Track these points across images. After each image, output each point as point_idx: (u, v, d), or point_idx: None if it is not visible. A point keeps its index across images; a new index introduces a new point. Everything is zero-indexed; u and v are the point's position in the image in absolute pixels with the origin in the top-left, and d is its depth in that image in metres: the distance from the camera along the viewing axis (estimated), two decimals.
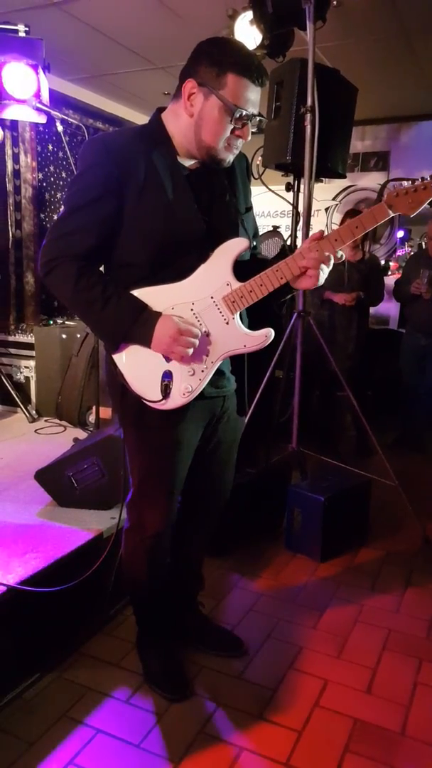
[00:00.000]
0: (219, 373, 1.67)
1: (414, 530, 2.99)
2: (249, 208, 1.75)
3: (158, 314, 1.55)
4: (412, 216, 1.58)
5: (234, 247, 1.57)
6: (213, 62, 1.49)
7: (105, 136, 1.62)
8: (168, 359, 1.58)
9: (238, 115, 1.51)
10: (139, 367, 1.61)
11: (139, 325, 1.54)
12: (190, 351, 1.54)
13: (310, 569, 2.69)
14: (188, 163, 1.62)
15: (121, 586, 2.09)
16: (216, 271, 1.57)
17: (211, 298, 1.58)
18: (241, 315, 1.61)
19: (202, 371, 1.60)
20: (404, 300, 4.37)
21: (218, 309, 1.58)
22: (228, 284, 1.57)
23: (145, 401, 1.61)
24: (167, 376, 1.58)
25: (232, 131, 1.54)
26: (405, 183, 1.55)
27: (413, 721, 1.82)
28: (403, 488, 2.94)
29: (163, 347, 1.54)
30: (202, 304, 1.58)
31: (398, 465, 3.12)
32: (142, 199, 1.52)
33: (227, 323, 1.59)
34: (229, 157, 1.60)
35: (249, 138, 1.57)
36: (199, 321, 1.58)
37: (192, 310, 1.58)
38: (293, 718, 1.81)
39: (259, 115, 1.54)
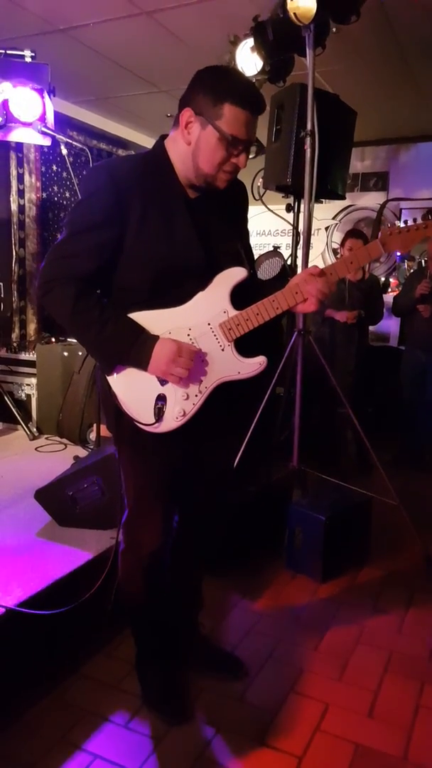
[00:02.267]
0: (211, 394, 1.66)
1: (415, 549, 2.98)
2: (246, 237, 1.78)
3: (156, 337, 1.56)
4: (404, 253, 1.65)
5: (233, 276, 1.60)
6: (209, 92, 1.51)
7: (109, 163, 1.65)
8: (163, 383, 1.60)
9: (233, 145, 1.53)
10: (133, 390, 1.62)
11: (136, 348, 1.56)
12: (186, 372, 1.55)
13: (311, 589, 2.67)
14: (190, 190, 1.64)
15: (120, 607, 2.08)
16: (214, 299, 1.60)
17: (208, 324, 1.60)
18: (238, 340, 1.63)
19: (196, 396, 1.62)
20: (403, 311, 4.37)
21: (215, 335, 1.61)
22: (225, 312, 1.60)
23: (138, 424, 1.62)
24: (161, 399, 1.60)
25: (229, 158, 1.56)
26: (398, 223, 1.65)
27: (415, 746, 1.80)
28: (404, 506, 2.93)
29: (161, 368, 1.55)
30: (199, 330, 1.60)
31: (399, 482, 3.11)
32: (143, 226, 1.54)
33: (223, 350, 1.61)
34: (225, 184, 1.61)
35: (245, 165, 1.59)
36: (195, 346, 1.60)
37: (189, 335, 1.60)
38: (294, 743, 1.79)
39: (256, 143, 1.58)
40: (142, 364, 1.57)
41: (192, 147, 1.56)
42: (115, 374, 1.63)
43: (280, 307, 1.60)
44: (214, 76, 1.54)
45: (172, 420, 1.61)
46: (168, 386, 1.60)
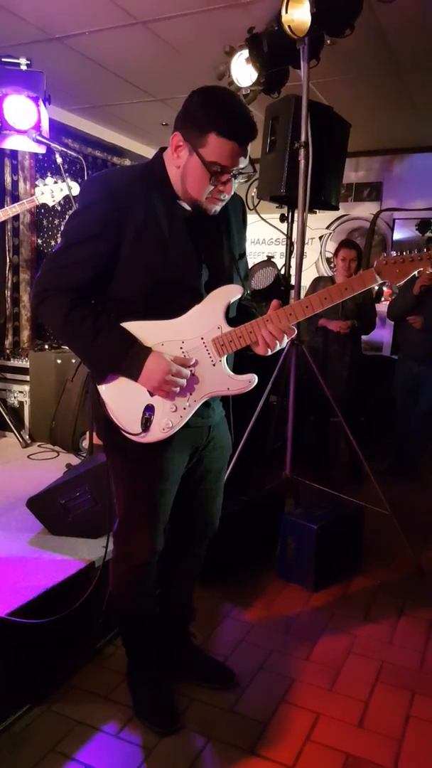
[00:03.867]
0: (204, 403, 1.68)
1: (407, 559, 2.99)
2: (242, 254, 1.79)
3: (149, 350, 1.57)
4: (396, 284, 1.67)
5: (229, 293, 1.62)
6: (196, 120, 1.49)
7: (107, 174, 1.65)
8: (152, 393, 1.61)
9: (219, 174, 1.53)
10: (122, 399, 1.63)
11: (128, 359, 1.57)
12: (177, 390, 1.57)
13: (303, 599, 2.68)
14: (186, 205, 1.64)
15: (111, 617, 2.07)
16: (208, 314, 1.61)
17: (201, 339, 1.61)
18: (227, 357, 1.65)
19: (184, 409, 1.63)
20: (400, 314, 4.38)
21: (207, 350, 1.62)
22: (219, 327, 1.61)
23: (124, 432, 1.63)
24: (149, 410, 1.61)
25: (216, 187, 1.56)
26: (394, 253, 1.64)
27: (405, 756, 1.80)
28: (396, 516, 2.95)
29: (152, 383, 1.57)
30: (191, 344, 1.61)
31: (391, 492, 3.12)
32: (139, 239, 1.54)
33: (214, 365, 1.63)
34: (215, 208, 1.61)
35: (231, 193, 1.60)
36: (187, 359, 1.61)
37: (181, 348, 1.61)
38: (285, 753, 1.79)
39: (241, 172, 1.55)
40: (133, 374, 1.58)
41: (181, 171, 1.57)
42: (105, 383, 1.64)
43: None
44: (202, 102, 1.50)
45: (158, 431, 1.62)
46: (157, 397, 1.61)
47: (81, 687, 2.03)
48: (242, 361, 1.74)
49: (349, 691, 2.08)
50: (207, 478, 1.87)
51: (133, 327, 1.59)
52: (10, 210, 3.49)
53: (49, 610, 1.99)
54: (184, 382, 1.58)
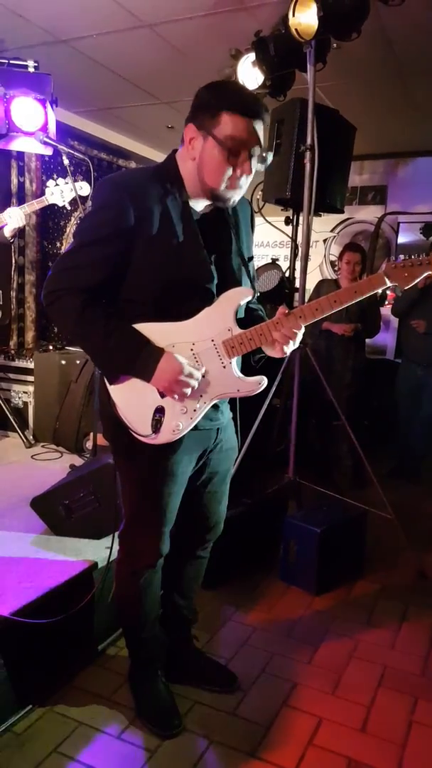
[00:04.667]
0: (213, 406, 1.69)
1: (410, 563, 2.98)
2: (251, 258, 1.79)
3: (161, 350, 1.57)
4: (404, 288, 1.67)
5: (239, 295, 1.62)
6: (207, 105, 1.52)
7: (122, 176, 1.65)
8: (163, 395, 1.61)
9: (235, 153, 1.52)
10: (132, 400, 1.63)
11: (141, 360, 1.56)
12: (189, 392, 1.57)
13: (305, 602, 2.67)
14: (199, 207, 1.64)
15: (114, 618, 2.07)
16: (219, 316, 1.61)
17: (212, 341, 1.61)
18: (237, 359, 1.65)
19: (194, 410, 1.63)
20: (402, 309, 4.37)
21: (217, 352, 1.62)
22: (229, 330, 1.61)
23: (134, 434, 1.63)
24: (159, 411, 1.61)
25: (234, 169, 1.55)
26: (403, 257, 1.65)
27: (408, 761, 1.79)
28: (399, 520, 2.94)
29: (164, 384, 1.57)
30: (202, 346, 1.61)
31: (394, 496, 3.12)
32: (152, 241, 1.54)
33: (224, 367, 1.63)
34: (235, 196, 1.60)
35: (252, 172, 1.56)
36: (197, 361, 1.61)
37: (192, 350, 1.61)
38: (287, 757, 1.79)
39: (258, 145, 1.52)
40: (147, 375, 1.57)
41: (197, 162, 1.56)
42: (116, 384, 1.63)
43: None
44: (212, 89, 1.54)
45: (168, 433, 1.62)
46: (167, 399, 1.61)
47: (83, 688, 2.03)
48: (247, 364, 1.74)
49: (352, 696, 2.07)
50: (213, 481, 1.87)
51: (144, 328, 1.59)
52: (28, 207, 3.49)
53: (52, 611, 1.99)
54: (196, 383, 1.58)
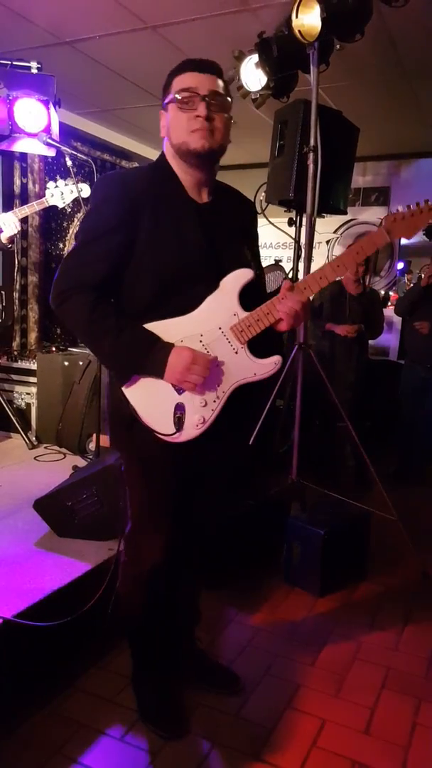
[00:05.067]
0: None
1: (413, 565, 2.97)
2: (256, 254, 1.78)
3: (171, 345, 1.56)
4: (410, 240, 1.65)
5: (240, 277, 1.60)
6: (164, 86, 1.62)
7: (116, 172, 1.69)
8: (180, 391, 1.59)
9: (187, 103, 1.54)
10: (150, 400, 1.61)
11: (152, 356, 1.55)
12: (202, 380, 1.55)
13: (309, 604, 2.67)
14: (198, 197, 1.65)
15: (117, 620, 2.07)
16: (223, 302, 1.60)
17: (220, 329, 1.60)
18: (250, 342, 1.62)
19: (214, 401, 1.61)
20: (405, 307, 4.37)
21: (227, 339, 1.60)
22: (235, 314, 1.60)
23: (158, 435, 1.60)
24: (180, 408, 1.59)
25: (189, 114, 1.54)
26: (401, 208, 1.61)
27: (412, 764, 1.79)
28: (402, 521, 2.93)
29: (177, 377, 1.55)
30: (210, 336, 1.60)
31: (398, 497, 3.11)
32: (152, 232, 1.55)
33: (236, 353, 1.61)
34: (204, 144, 1.55)
35: (206, 113, 1.53)
36: (208, 352, 1.59)
37: (201, 342, 1.59)
38: (290, 759, 1.78)
39: (210, 91, 1.53)
40: (158, 372, 1.56)
41: (168, 134, 1.61)
42: (131, 385, 1.62)
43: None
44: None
45: (192, 428, 1.60)
46: (185, 394, 1.59)
47: (86, 690, 2.03)
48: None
49: (355, 698, 2.07)
50: (214, 479, 1.85)
51: (152, 327, 1.58)
52: (19, 212, 3.50)
53: (55, 612, 1.99)
54: (207, 371, 1.55)
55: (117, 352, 1.59)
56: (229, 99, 1.59)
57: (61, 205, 3.57)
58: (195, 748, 1.81)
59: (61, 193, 3.51)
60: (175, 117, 1.57)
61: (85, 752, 1.77)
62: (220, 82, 1.58)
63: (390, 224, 1.60)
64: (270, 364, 1.63)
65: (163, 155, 1.67)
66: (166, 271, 1.57)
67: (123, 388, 1.62)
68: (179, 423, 1.58)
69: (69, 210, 5.27)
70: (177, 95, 1.55)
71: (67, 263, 1.59)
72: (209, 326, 1.60)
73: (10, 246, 3.50)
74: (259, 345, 1.65)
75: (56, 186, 3.51)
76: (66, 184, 3.50)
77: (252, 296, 1.64)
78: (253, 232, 1.82)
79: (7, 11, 3.37)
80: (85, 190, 3.51)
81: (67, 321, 1.63)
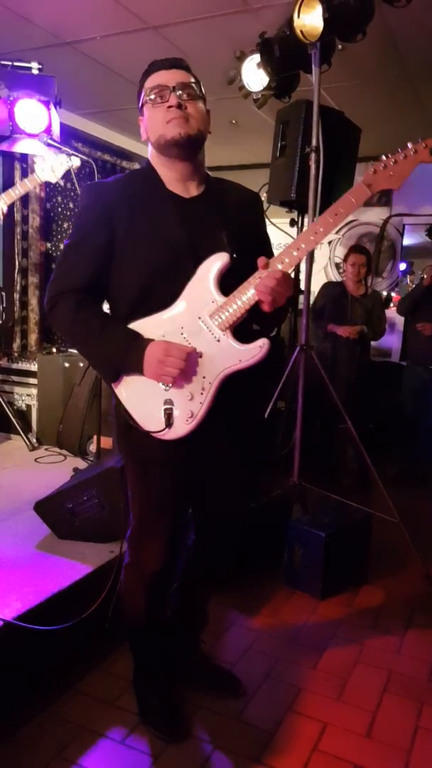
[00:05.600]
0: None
1: (416, 568, 2.96)
2: (262, 242, 1.75)
3: (149, 341, 1.56)
4: (397, 189, 1.52)
5: (214, 263, 1.56)
6: (138, 92, 1.67)
7: (93, 182, 1.75)
8: (167, 387, 1.58)
9: (159, 97, 1.58)
10: (139, 398, 1.61)
11: (131, 353, 1.56)
12: (176, 371, 1.52)
13: (310, 607, 2.65)
14: (185, 192, 1.66)
15: (118, 622, 2.06)
16: (200, 292, 1.57)
17: (199, 318, 1.57)
18: (237, 329, 1.58)
19: (201, 394, 1.57)
20: (407, 307, 4.36)
21: (207, 328, 1.57)
22: (213, 301, 1.56)
23: (150, 432, 1.59)
24: (169, 404, 1.57)
25: (161, 107, 1.58)
26: (384, 156, 1.49)
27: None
28: (404, 524, 2.92)
29: (153, 370, 1.54)
30: (191, 327, 1.57)
31: (400, 500, 3.10)
32: (128, 231, 1.59)
33: (218, 341, 1.57)
34: (179, 131, 1.57)
35: (176, 102, 1.56)
36: (189, 344, 1.57)
37: (182, 334, 1.58)
38: (292, 762, 1.77)
39: (177, 84, 1.57)
40: (138, 368, 1.56)
41: (148, 135, 1.65)
42: (120, 385, 1.63)
43: None
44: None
45: (182, 423, 1.57)
46: (173, 390, 1.57)
47: (87, 693, 2.02)
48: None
49: (357, 701, 2.06)
50: (222, 482, 1.82)
51: (137, 326, 1.59)
52: (13, 192, 3.42)
53: (56, 615, 1.98)
54: (181, 362, 1.52)
55: (99, 352, 1.63)
56: (201, 91, 1.63)
57: (53, 180, 3.39)
58: (196, 751, 1.80)
59: (51, 166, 3.37)
60: (151, 115, 1.62)
61: (85, 755, 1.76)
62: (189, 76, 1.62)
63: (370, 177, 1.48)
64: (255, 348, 1.56)
65: (148, 160, 1.71)
66: (145, 266, 1.58)
67: (114, 388, 1.64)
68: (169, 419, 1.57)
69: (71, 212, 5.26)
70: (149, 95, 1.60)
71: (55, 272, 1.66)
72: (189, 317, 1.57)
73: None
74: (249, 331, 1.62)
75: (45, 159, 3.38)
76: (55, 157, 3.37)
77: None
78: (254, 220, 1.77)
79: (7, 12, 3.37)
80: (75, 161, 3.41)
81: (56, 325, 1.69)
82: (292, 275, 3.77)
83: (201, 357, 1.57)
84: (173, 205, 1.62)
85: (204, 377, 1.57)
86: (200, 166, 1.69)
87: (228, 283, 1.57)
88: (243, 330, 1.61)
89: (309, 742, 1.86)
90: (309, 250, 1.54)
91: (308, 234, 1.53)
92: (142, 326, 1.59)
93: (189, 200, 1.65)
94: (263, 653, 2.30)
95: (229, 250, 1.57)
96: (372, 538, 2.98)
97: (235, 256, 1.56)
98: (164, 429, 1.57)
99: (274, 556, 2.93)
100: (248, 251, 1.58)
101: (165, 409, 1.57)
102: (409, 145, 1.49)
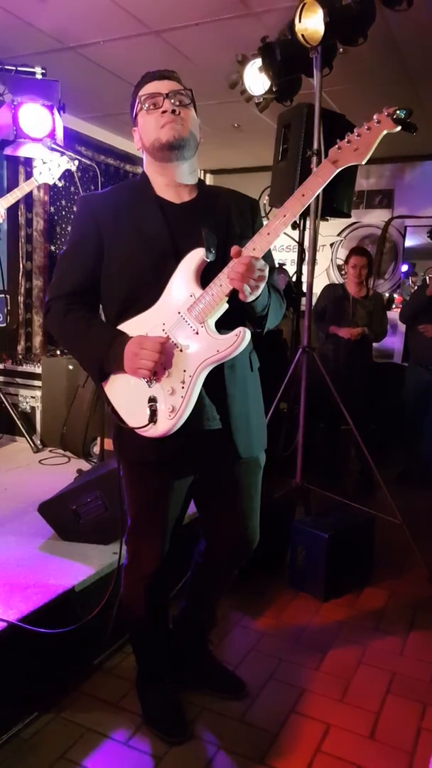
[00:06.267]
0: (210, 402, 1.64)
1: (419, 569, 2.96)
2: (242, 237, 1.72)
3: (129, 338, 1.59)
4: (363, 163, 1.52)
5: (192, 258, 1.58)
6: (132, 104, 1.71)
7: (85, 194, 1.80)
8: (150, 383, 1.59)
9: (152, 105, 1.62)
10: (125, 396, 1.64)
11: (112, 351, 1.59)
12: (151, 363, 1.52)
13: (313, 608, 2.66)
14: (176, 197, 1.69)
15: (121, 624, 2.07)
16: (180, 287, 1.59)
17: (179, 313, 1.59)
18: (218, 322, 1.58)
19: (182, 387, 1.56)
20: (409, 315, 4.37)
21: (186, 322, 1.58)
22: (192, 295, 1.58)
23: (135, 430, 1.60)
24: (152, 400, 1.58)
25: (155, 113, 1.62)
26: (349, 133, 1.50)
27: None
28: (407, 525, 2.93)
29: (129, 364, 1.56)
30: (171, 322, 1.59)
31: (403, 501, 3.10)
32: (115, 236, 1.64)
33: (197, 333, 1.57)
34: (173, 133, 1.60)
35: (171, 108, 1.60)
36: (170, 339, 1.57)
37: (164, 330, 1.59)
38: (295, 763, 1.78)
39: (170, 92, 1.61)
40: (119, 365, 1.59)
41: (143, 142, 1.68)
42: (108, 384, 1.67)
43: None
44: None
45: (165, 419, 1.57)
46: (155, 386, 1.59)
47: (90, 694, 2.03)
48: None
49: (360, 702, 2.06)
50: (231, 491, 1.80)
51: (125, 327, 1.64)
52: (11, 196, 3.45)
53: (60, 616, 1.99)
54: (155, 354, 1.52)
55: (85, 351, 1.68)
56: (192, 99, 1.67)
57: (51, 182, 3.44)
58: (200, 752, 1.81)
59: (49, 168, 3.41)
60: (145, 122, 1.65)
61: (89, 756, 1.77)
62: (181, 85, 1.67)
63: (335, 154, 1.50)
64: (232, 337, 1.53)
65: (143, 171, 1.75)
66: (130, 268, 1.63)
67: (103, 387, 1.68)
68: (153, 415, 1.58)
69: (73, 215, 5.28)
70: (143, 103, 1.64)
71: (52, 280, 1.74)
72: (169, 313, 1.59)
73: None
74: (238, 322, 1.60)
75: (44, 162, 3.42)
76: (51, 159, 3.41)
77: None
78: (248, 224, 1.75)
79: (11, 17, 3.39)
80: (73, 163, 3.45)
81: (50, 329, 1.77)
82: (293, 278, 3.78)
83: (181, 351, 1.57)
84: (160, 208, 1.65)
85: (184, 371, 1.57)
86: (193, 173, 1.73)
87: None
88: (234, 325, 1.58)
89: (312, 743, 1.87)
90: (278, 233, 1.54)
91: (278, 217, 1.54)
92: (128, 327, 1.63)
93: (179, 205, 1.68)
94: (266, 654, 2.31)
95: (205, 245, 1.57)
96: (375, 540, 2.99)
97: (212, 250, 1.57)
98: (148, 425, 1.58)
99: (278, 557, 2.93)
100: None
101: (149, 406, 1.58)
102: (374, 116, 1.50)
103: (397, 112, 1.49)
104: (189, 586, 2.04)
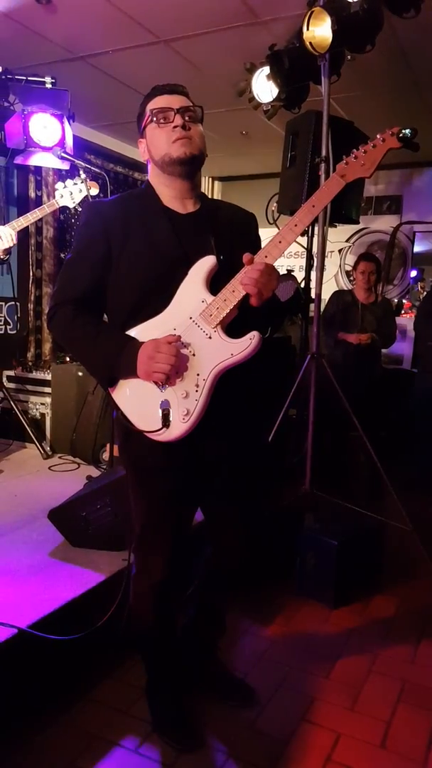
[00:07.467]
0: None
1: (429, 576, 2.94)
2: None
3: (141, 343, 1.59)
4: (369, 176, 1.62)
5: (203, 265, 1.61)
6: (139, 115, 1.73)
7: (94, 201, 1.83)
8: (162, 387, 1.59)
9: (163, 119, 1.63)
10: (136, 401, 1.63)
11: (124, 355, 1.59)
12: (168, 367, 1.53)
13: (323, 616, 2.65)
14: (181, 208, 1.71)
15: (131, 631, 2.07)
16: (191, 293, 1.61)
17: (191, 318, 1.61)
18: (229, 326, 1.61)
19: (196, 391, 1.58)
20: (425, 324, 4.35)
21: (199, 327, 1.60)
22: (203, 301, 1.60)
23: (147, 434, 1.60)
24: (165, 404, 1.59)
25: (166, 127, 1.63)
26: (356, 150, 1.60)
27: None
28: (417, 532, 2.91)
29: (144, 368, 1.56)
30: (182, 327, 1.60)
31: (412, 508, 3.08)
32: (124, 244, 1.64)
33: (210, 338, 1.59)
34: (184, 150, 1.63)
35: (183, 123, 1.62)
36: (182, 342, 1.59)
37: (174, 335, 1.60)
38: None
39: (181, 107, 1.62)
40: (132, 371, 1.58)
41: (151, 156, 1.69)
42: (116, 390, 1.66)
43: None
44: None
45: (179, 423, 1.58)
46: (168, 390, 1.59)
47: (100, 701, 2.03)
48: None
49: (371, 711, 2.05)
50: (218, 482, 1.80)
51: (133, 332, 1.64)
52: (31, 216, 3.49)
53: (70, 623, 1.99)
54: (171, 357, 1.53)
55: (94, 357, 1.68)
56: (201, 115, 1.69)
57: (71, 205, 3.52)
58: (209, 760, 1.80)
59: (70, 192, 3.48)
60: (154, 135, 1.66)
61: (99, 763, 1.77)
62: (189, 101, 1.68)
63: (343, 169, 1.58)
64: (245, 341, 1.58)
65: (147, 181, 1.76)
66: (140, 276, 1.63)
67: (111, 393, 1.67)
68: (166, 419, 1.58)
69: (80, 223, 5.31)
70: (153, 116, 1.65)
71: (56, 285, 1.74)
72: (181, 319, 1.61)
73: (6, 258, 3.50)
74: (244, 331, 1.61)
75: (65, 186, 3.48)
76: (75, 183, 3.47)
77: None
78: (247, 238, 1.78)
79: (21, 27, 3.44)
80: (93, 191, 3.50)
81: (55, 334, 1.75)
82: (302, 284, 3.78)
83: (194, 355, 1.59)
84: (168, 219, 1.67)
85: (198, 374, 1.59)
86: (197, 186, 1.75)
87: (220, 289, 1.61)
88: (237, 330, 1.61)
89: (323, 752, 1.85)
90: (290, 242, 1.60)
91: (289, 227, 1.60)
92: (137, 332, 1.63)
93: (185, 216, 1.70)
94: (276, 662, 2.30)
95: (216, 253, 1.63)
96: (385, 547, 2.97)
97: (222, 258, 1.62)
98: (161, 429, 1.58)
99: (286, 564, 2.92)
100: (240, 264, 1.59)
101: (162, 410, 1.59)
102: (378, 135, 1.61)
103: (403, 131, 1.60)
104: (197, 593, 2.03)
